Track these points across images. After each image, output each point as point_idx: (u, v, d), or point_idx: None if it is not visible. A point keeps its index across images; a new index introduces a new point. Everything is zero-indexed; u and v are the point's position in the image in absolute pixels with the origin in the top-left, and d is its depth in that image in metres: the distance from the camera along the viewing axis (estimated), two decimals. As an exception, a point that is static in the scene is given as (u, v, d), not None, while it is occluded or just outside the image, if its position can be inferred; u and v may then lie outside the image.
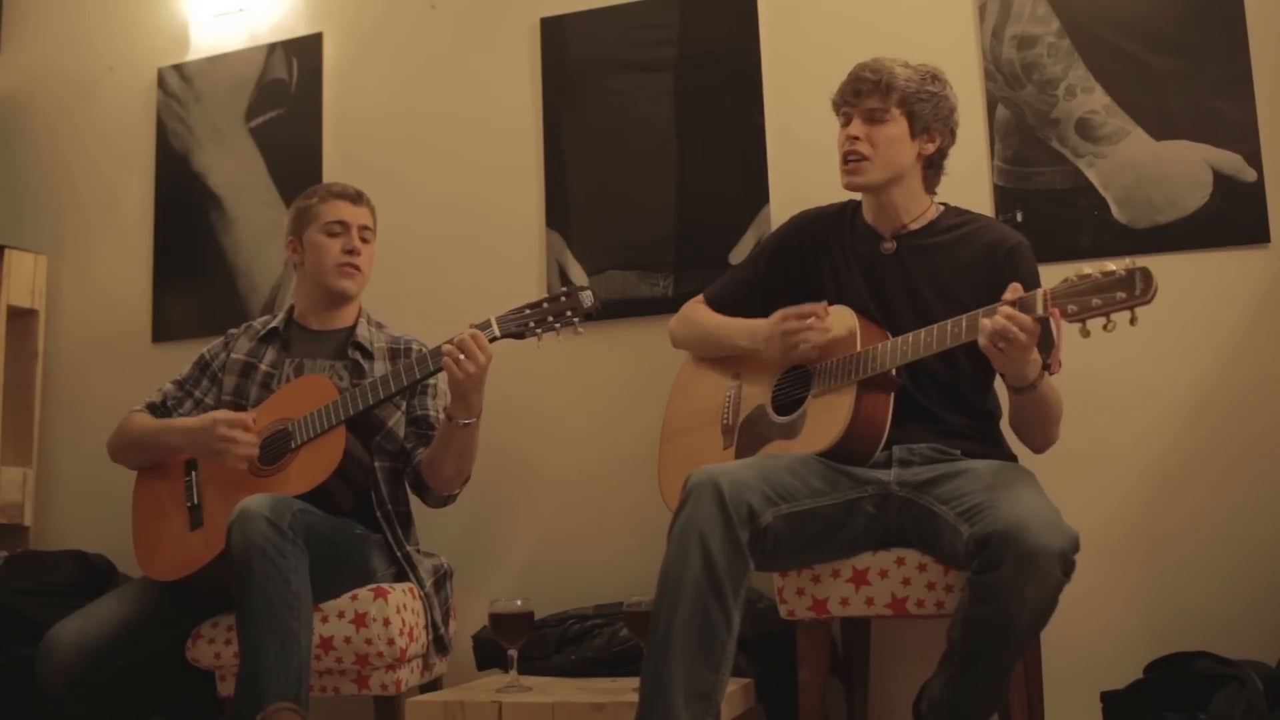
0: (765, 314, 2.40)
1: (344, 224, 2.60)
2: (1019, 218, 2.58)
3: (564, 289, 2.30)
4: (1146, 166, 2.52)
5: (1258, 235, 2.44)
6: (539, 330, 2.27)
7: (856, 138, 2.21)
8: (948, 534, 1.91)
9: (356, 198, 2.64)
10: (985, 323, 1.89)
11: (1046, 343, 1.95)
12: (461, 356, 2.24)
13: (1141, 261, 1.78)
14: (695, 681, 1.81)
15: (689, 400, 2.45)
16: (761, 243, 2.47)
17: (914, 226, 2.25)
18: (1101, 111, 2.56)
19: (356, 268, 2.60)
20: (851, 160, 2.22)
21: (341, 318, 2.64)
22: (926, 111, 2.21)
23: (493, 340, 2.27)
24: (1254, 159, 2.45)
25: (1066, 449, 2.43)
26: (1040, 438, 2.16)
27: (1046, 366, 1.98)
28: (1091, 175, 2.55)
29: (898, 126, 2.20)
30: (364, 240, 2.62)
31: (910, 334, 2.03)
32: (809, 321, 2.14)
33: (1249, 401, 2.42)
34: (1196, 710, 1.98)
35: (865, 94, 2.20)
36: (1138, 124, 2.54)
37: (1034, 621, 1.78)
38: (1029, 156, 2.60)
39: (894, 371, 2.07)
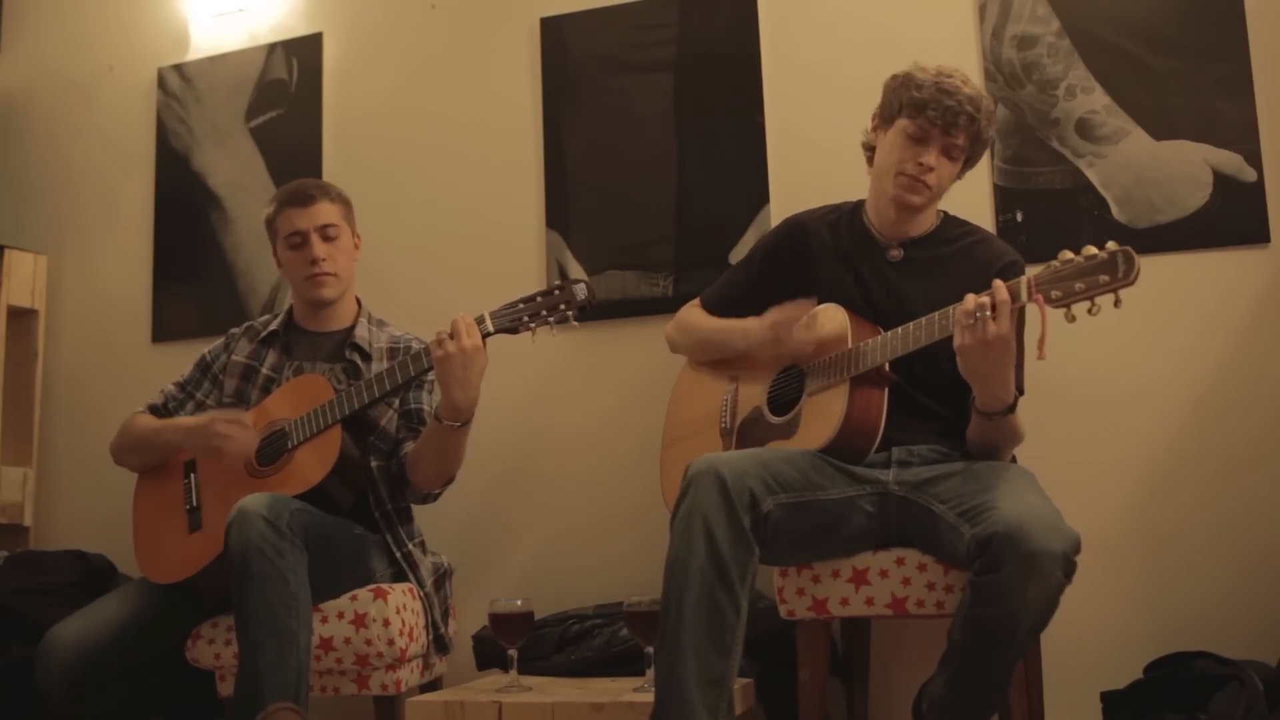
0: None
1: (300, 234, 2.54)
2: (1019, 218, 2.58)
3: (557, 282, 2.29)
4: (1146, 166, 2.52)
5: (1258, 235, 2.44)
6: (532, 324, 2.24)
7: (931, 168, 2.15)
8: (948, 534, 1.91)
9: (307, 199, 2.55)
10: (959, 307, 1.89)
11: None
12: (446, 336, 2.23)
13: (1142, 261, 1.77)
14: (707, 668, 1.81)
15: (687, 407, 2.45)
16: (755, 246, 2.46)
17: (917, 234, 2.24)
18: (1101, 111, 2.56)
19: (328, 273, 2.54)
20: (918, 185, 2.16)
21: (339, 318, 2.63)
22: (983, 149, 2.21)
23: (487, 336, 2.26)
24: (1254, 159, 2.45)
25: (1066, 449, 2.44)
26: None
27: (1020, 390, 1.98)
28: (1091, 175, 2.55)
29: (959, 164, 2.20)
30: (329, 238, 2.55)
31: (899, 328, 2.03)
32: (799, 320, 2.14)
33: (1248, 401, 2.42)
34: (1196, 710, 1.97)
35: (960, 130, 2.13)
36: (1138, 124, 2.54)
37: (1035, 623, 1.78)
38: (1029, 156, 2.60)
39: (887, 367, 2.06)
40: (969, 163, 2.22)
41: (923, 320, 2.00)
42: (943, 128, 2.13)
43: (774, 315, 2.19)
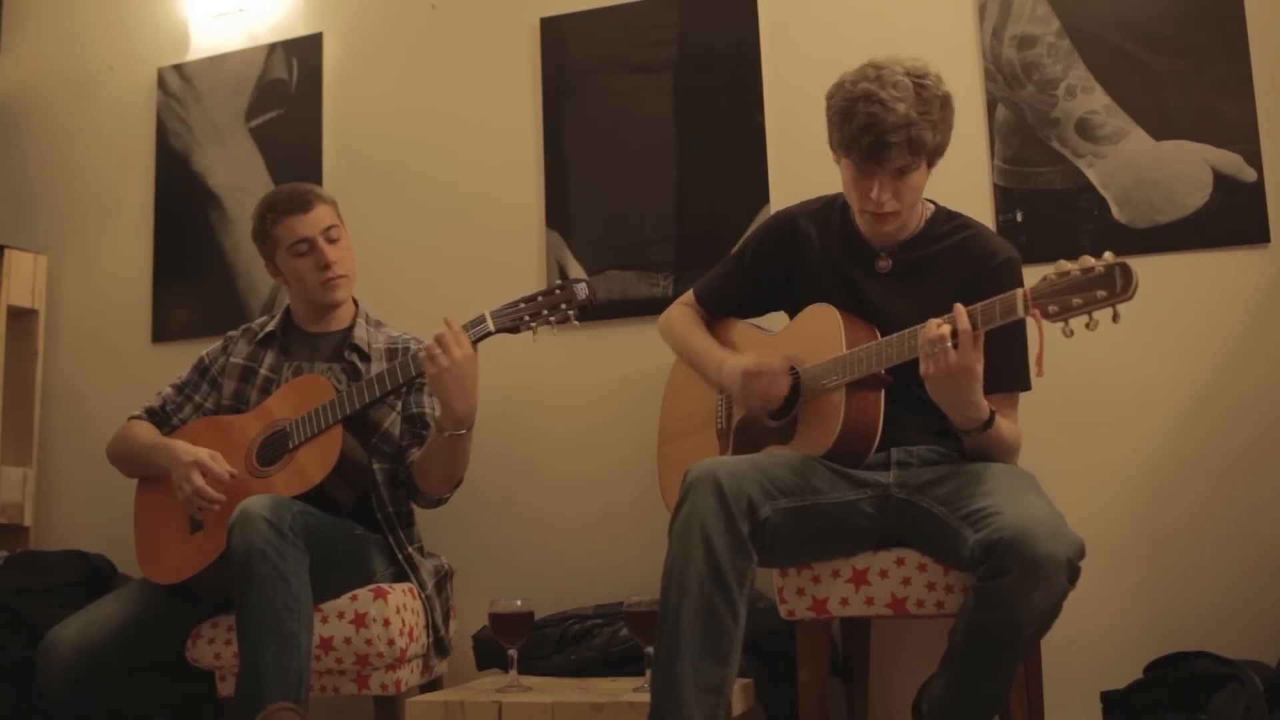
0: (753, 309, 2.42)
1: (306, 241, 2.53)
2: (1019, 218, 2.58)
3: (559, 282, 2.30)
4: (1146, 166, 2.52)
5: (1258, 235, 2.44)
6: (533, 323, 2.25)
7: (886, 198, 2.06)
8: (949, 536, 1.91)
9: (305, 205, 2.54)
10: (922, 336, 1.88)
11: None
12: (438, 351, 2.22)
13: (1141, 261, 1.77)
14: (705, 676, 1.81)
15: (683, 401, 2.45)
16: (745, 241, 2.43)
17: (905, 237, 2.20)
18: (1101, 111, 2.56)
19: (341, 275, 2.56)
20: (882, 217, 2.11)
21: (338, 319, 2.63)
22: (942, 138, 2.08)
23: (488, 335, 2.26)
24: (1254, 159, 2.45)
25: (1067, 450, 2.44)
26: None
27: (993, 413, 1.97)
28: (1091, 175, 2.55)
29: (921, 170, 2.08)
30: (333, 240, 2.55)
31: (895, 335, 2.01)
32: (769, 377, 2.13)
33: (1249, 402, 2.42)
34: (1196, 710, 1.98)
35: (892, 158, 2.01)
36: (1138, 124, 2.54)
37: (1039, 628, 1.78)
38: (1029, 156, 2.60)
39: (883, 369, 2.06)
40: (934, 157, 2.10)
41: (893, 338, 1.99)
42: (878, 160, 2.02)
43: (747, 367, 2.16)
